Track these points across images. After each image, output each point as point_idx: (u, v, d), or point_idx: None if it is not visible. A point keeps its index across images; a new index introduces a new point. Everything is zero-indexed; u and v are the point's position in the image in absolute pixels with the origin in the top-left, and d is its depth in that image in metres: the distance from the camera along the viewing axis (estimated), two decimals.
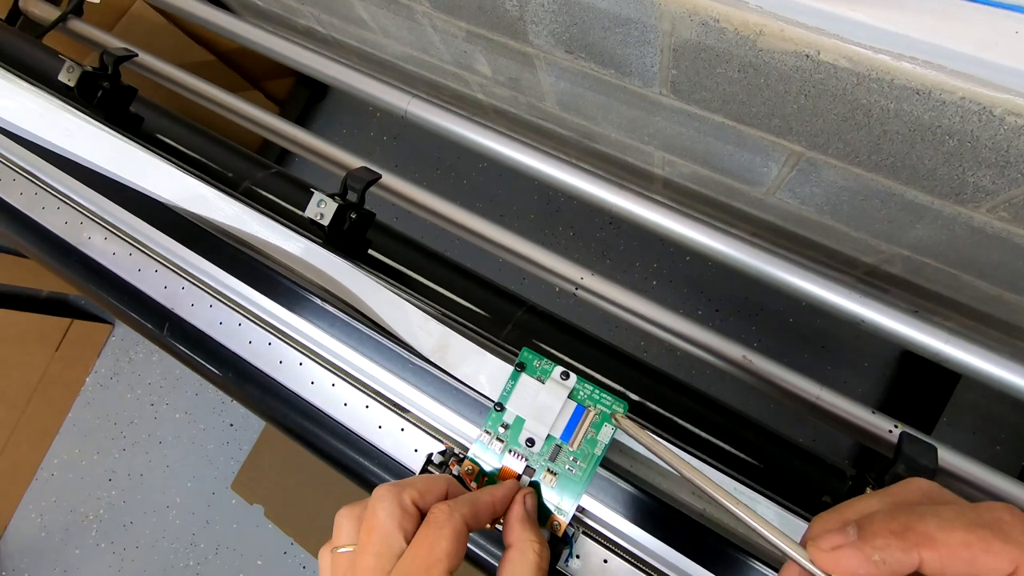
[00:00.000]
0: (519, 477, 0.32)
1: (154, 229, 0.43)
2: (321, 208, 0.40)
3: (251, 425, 1.47)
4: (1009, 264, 0.61)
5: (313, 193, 0.40)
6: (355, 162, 0.61)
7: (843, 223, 0.72)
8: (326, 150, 0.62)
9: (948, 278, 0.71)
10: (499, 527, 0.32)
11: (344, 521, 0.30)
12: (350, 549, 0.29)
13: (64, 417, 1.61)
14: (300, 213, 0.42)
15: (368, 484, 0.42)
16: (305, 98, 1.46)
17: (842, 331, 1.13)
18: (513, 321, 0.43)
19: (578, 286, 0.53)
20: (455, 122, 0.58)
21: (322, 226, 0.41)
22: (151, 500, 1.51)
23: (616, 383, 0.38)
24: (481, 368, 0.34)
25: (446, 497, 0.29)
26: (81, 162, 0.42)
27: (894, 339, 0.54)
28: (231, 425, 1.49)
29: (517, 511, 0.30)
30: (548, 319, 0.43)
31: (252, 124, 0.71)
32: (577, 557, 0.35)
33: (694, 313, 1.23)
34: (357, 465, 0.41)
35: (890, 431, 0.45)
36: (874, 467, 0.33)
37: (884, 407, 1.16)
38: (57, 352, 1.53)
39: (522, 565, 0.28)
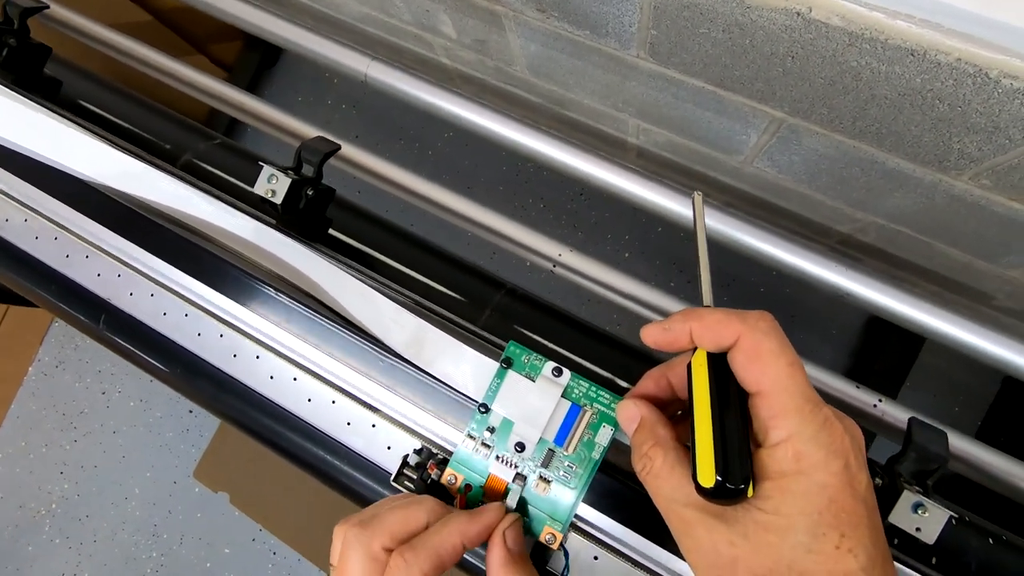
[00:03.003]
0: (505, 493, 0.29)
1: (78, 214, 0.38)
2: (272, 184, 0.36)
3: None
4: (984, 232, 0.61)
5: (263, 167, 0.36)
6: (313, 132, 0.56)
7: (820, 192, 0.71)
8: (280, 119, 0.57)
9: (921, 246, 0.72)
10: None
11: (336, 541, 0.28)
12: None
13: (6, 410, 1.51)
14: (250, 190, 0.38)
15: (337, 483, 0.38)
16: (256, 63, 1.36)
17: (810, 300, 1.14)
18: (492, 305, 0.39)
19: (556, 263, 0.50)
20: (420, 87, 0.54)
21: (274, 204, 0.36)
22: (108, 492, 1.44)
23: (606, 371, 0.36)
24: (462, 365, 0.31)
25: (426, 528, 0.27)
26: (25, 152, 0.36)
27: (873, 308, 0.53)
28: (190, 412, 1.43)
29: (497, 556, 0.28)
30: (530, 302, 0.40)
31: (195, 91, 0.65)
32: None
33: (666, 285, 1.22)
34: (325, 464, 0.38)
35: (874, 405, 0.44)
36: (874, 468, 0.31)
37: (851, 373, 1.19)
38: None
39: None
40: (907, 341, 1.00)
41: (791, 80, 0.49)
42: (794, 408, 0.24)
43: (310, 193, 0.38)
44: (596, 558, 0.32)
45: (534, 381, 0.30)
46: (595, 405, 0.30)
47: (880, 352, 1.03)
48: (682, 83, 0.60)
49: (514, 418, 0.29)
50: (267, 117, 0.60)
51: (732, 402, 0.25)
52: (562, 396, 0.29)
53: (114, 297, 0.41)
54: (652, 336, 0.28)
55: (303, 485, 1.28)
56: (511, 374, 0.30)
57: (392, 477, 0.30)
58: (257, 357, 0.38)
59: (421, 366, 0.31)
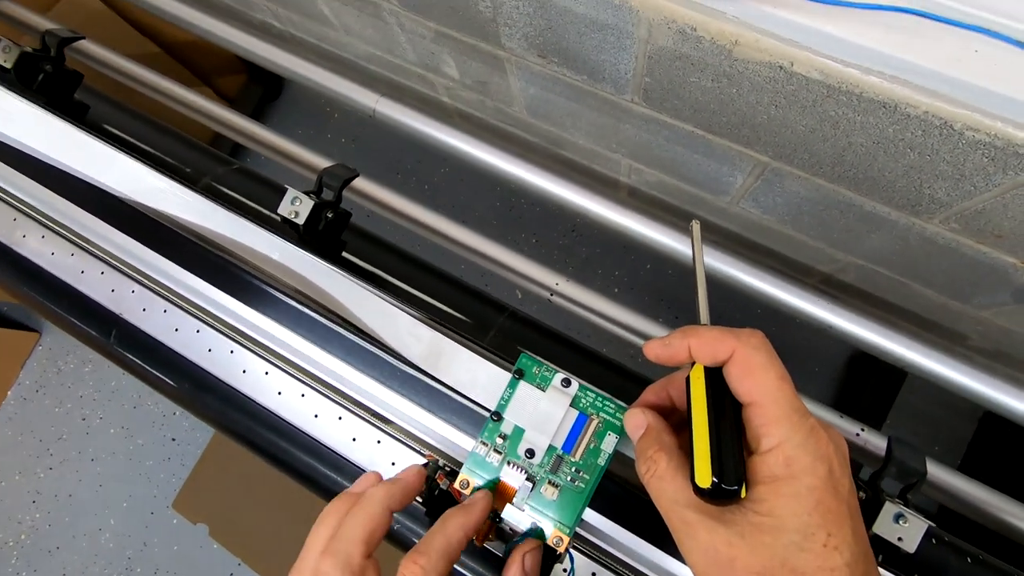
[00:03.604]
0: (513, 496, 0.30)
1: (105, 224, 0.39)
2: (296, 206, 0.38)
3: (195, 439, 1.38)
4: (955, 273, 0.64)
5: (287, 190, 0.38)
6: (318, 161, 0.58)
7: (802, 232, 0.75)
8: (288, 148, 0.59)
9: (898, 287, 0.75)
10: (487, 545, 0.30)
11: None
12: None
13: None
14: (267, 212, 0.40)
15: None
16: (258, 96, 1.40)
17: (793, 337, 1.17)
18: (496, 327, 0.41)
19: (553, 291, 0.52)
20: (426, 122, 0.56)
21: (296, 225, 0.38)
22: (81, 523, 1.40)
23: (603, 391, 0.38)
24: (476, 375, 0.32)
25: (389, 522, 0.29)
26: (23, 149, 0.38)
27: (858, 343, 0.55)
28: (173, 439, 1.40)
29: (511, 573, 0.29)
30: (531, 325, 0.42)
31: (205, 118, 0.67)
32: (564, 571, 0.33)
33: (655, 319, 1.25)
34: (329, 481, 0.39)
35: (857, 434, 0.46)
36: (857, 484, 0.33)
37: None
38: None
39: None
40: (887, 380, 1.03)
41: (775, 127, 0.53)
42: (784, 417, 0.25)
43: (330, 216, 0.40)
44: (594, 574, 0.33)
45: (544, 391, 0.31)
46: (601, 414, 0.32)
47: (861, 390, 1.06)
48: (673, 127, 0.64)
49: (525, 426, 0.31)
50: (274, 144, 0.63)
51: (727, 412, 0.27)
52: (570, 405, 0.31)
53: (126, 312, 0.42)
54: (654, 351, 0.30)
55: (286, 519, 1.25)
56: (523, 384, 0.32)
57: None
58: (266, 373, 0.39)
59: (438, 376, 0.33)
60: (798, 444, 0.25)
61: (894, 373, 1.02)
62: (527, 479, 0.30)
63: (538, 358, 0.31)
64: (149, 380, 0.42)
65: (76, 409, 1.46)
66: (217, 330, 0.40)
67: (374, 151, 1.42)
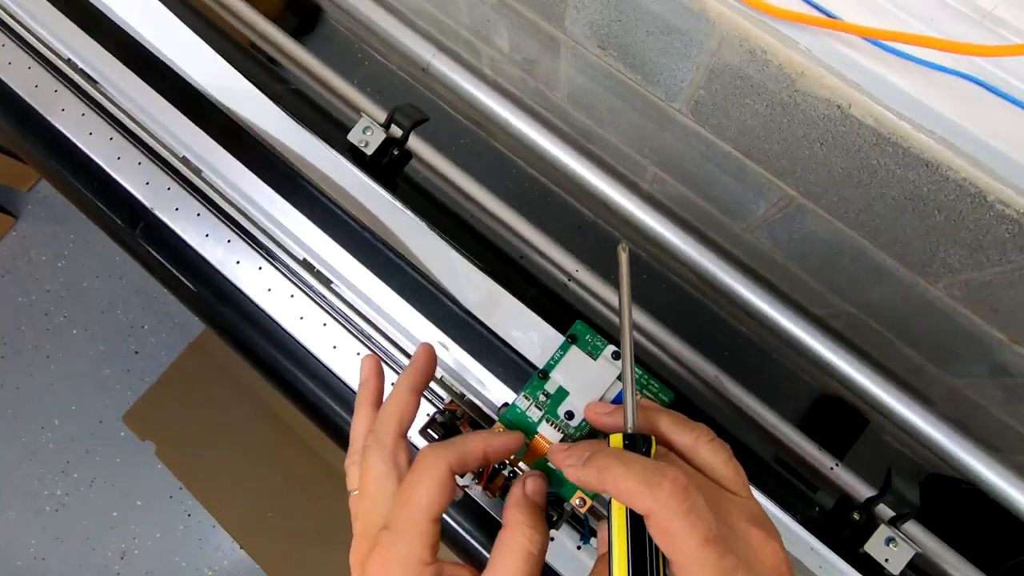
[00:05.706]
0: (544, 449, 0.31)
1: (164, 101, 0.37)
2: (367, 135, 0.37)
3: (159, 357, 1.36)
4: (942, 338, 0.67)
5: (362, 116, 0.37)
6: (361, 100, 0.57)
7: (808, 272, 0.77)
8: (333, 81, 0.58)
9: (884, 342, 0.78)
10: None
11: (350, 469, 0.32)
12: (356, 492, 0.30)
13: None
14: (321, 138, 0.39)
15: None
16: (292, 28, 1.37)
17: (768, 372, 1.21)
18: (526, 301, 0.42)
19: (571, 277, 0.53)
20: (482, 89, 0.56)
21: (363, 155, 0.38)
22: (22, 417, 1.36)
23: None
24: (529, 332, 0.33)
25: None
26: (115, 19, 0.36)
27: (837, 374, 0.57)
28: (136, 352, 1.37)
29: (514, 493, 0.29)
30: (560, 303, 0.43)
31: (254, 33, 0.66)
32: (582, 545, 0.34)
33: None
34: (339, 418, 0.39)
35: (831, 468, 0.48)
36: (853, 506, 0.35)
37: None
38: None
39: (510, 547, 0.27)
40: (849, 424, 1.07)
41: (814, 164, 0.55)
42: None
43: (395, 153, 0.39)
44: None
45: (595, 360, 0.32)
46: (645, 392, 0.32)
47: (822, 431, 1.10)
48: (713, 144, 0.65)
49: (569, 389, 0.31)
50: (322, 77, 0.61)
51: (647, 559, 0.26)
52: (617, 378, 0.32)
53: (158, 208, 0.41)
54: (566, 459, 0.29)
55: (236, 451, 1.24)
56: (574, 349, 0.32)
57: (419, 429, 0.32)
58: (291, 296, 0.39)
59: (491, 327, 0.33)
60: None
61: (855, 421, 1.06)
62: (562, 439, 0.31)
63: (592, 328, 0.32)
64: (167, 281, 0.41)
65: (40, 303, 1.42)
66: (248, 243, 0.39)
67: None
